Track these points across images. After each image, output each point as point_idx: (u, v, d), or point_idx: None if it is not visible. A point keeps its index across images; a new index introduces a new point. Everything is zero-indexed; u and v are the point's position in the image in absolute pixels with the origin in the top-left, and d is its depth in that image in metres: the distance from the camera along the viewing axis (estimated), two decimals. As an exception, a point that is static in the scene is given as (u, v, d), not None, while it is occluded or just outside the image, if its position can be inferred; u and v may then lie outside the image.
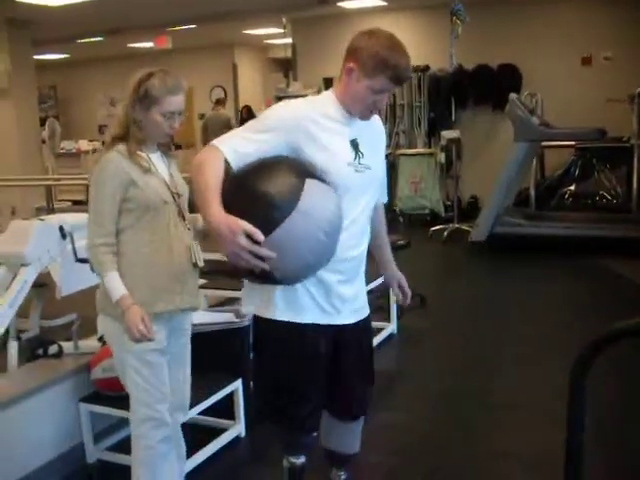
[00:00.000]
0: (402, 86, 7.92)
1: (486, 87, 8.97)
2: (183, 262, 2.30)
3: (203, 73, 12.52)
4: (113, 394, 2.85)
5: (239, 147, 1.93)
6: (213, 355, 3.12)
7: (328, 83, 8.73)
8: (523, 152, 6.90)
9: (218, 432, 3.15)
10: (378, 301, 4.83)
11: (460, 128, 8.76)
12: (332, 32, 9.34)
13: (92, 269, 2.31)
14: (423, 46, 8.73)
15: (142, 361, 2.26)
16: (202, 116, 11.66)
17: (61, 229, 3.52)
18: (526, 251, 6.89)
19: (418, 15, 9.45)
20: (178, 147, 2.91)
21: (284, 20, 9.51)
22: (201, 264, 2.36)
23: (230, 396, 3.18)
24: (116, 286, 2.19)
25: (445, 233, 7.76)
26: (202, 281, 3.25)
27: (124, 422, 2.93)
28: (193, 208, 2.21)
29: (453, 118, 9.26)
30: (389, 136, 9.02)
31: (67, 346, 3.24)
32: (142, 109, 2.22)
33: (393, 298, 4.66)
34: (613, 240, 6.62)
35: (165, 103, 2.22)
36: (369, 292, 4.33)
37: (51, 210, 7.65)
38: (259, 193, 1.82)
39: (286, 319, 2.06)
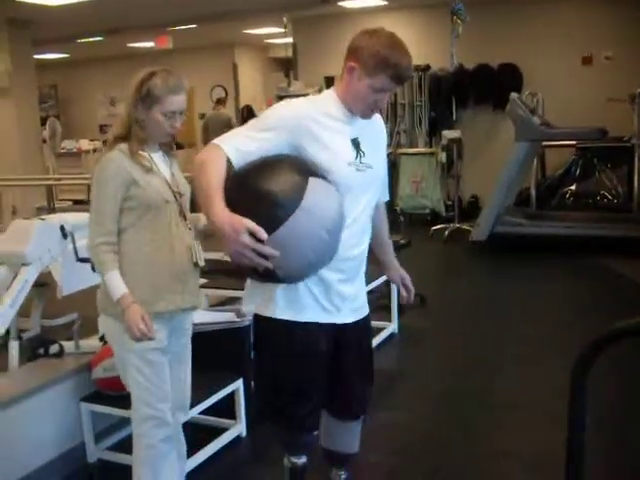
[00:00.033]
0: (403, 85, 7.91)
1: (487, 87, 8.97)
2: (184, 261, 2.31)
3: (204, 73, 12.52)
4: (114, 394, 2.85)
5: (241, 146, 1.94)
6: (214, 354, 3.13)
7: (329, 82, 8.73)
8: (524, 152, 6.90)
9: (219, 432, 3.15)
10: (379, 301, 4.84)
11: (461, 128, 8.76)
12: (333, 31, 9.34)
13: (93, 269, 2.31)
14: (424, 45, 8.72)
15: (143, 360, 2.27)
16: (203, 116, 11.65)
17: (62, 229, 3.52)
18: (527, 251, 6.89)
19: (419, 14, 9.44)
20: (180, 147, 2.91)
21: (285, 19, 9.50)
22: (202, 263, 2.36)
23: (231, 396, 3.18)
24: (117, 285, 2.19)
25: (446, 232, 7.76)
26: (203, 280, 3.25)
27: (125, 422, 2.93)
28: (195, 207, 2.21)
29: (454, 118, 9.26)
30: (390, 135, 9.02)
31: (68, 346, 3.24)
32: (144, 108, 2.22)
33: (394, 297, 4.67)
34: (614, 240, 6.62)
35: (167, 102, 2.22)
36: (370, 292, 4.35)
37: (52, 210, 7.65)
38: (262, 191, 1.82)
39: (287, 317, 2.06)
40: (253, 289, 2.13)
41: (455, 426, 3.36)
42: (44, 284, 3.90)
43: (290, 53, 10.22)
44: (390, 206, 3.37)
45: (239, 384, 3.19)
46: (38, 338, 3.95)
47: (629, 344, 1.77)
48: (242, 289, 2.26)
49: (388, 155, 2.62)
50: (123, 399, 2.55)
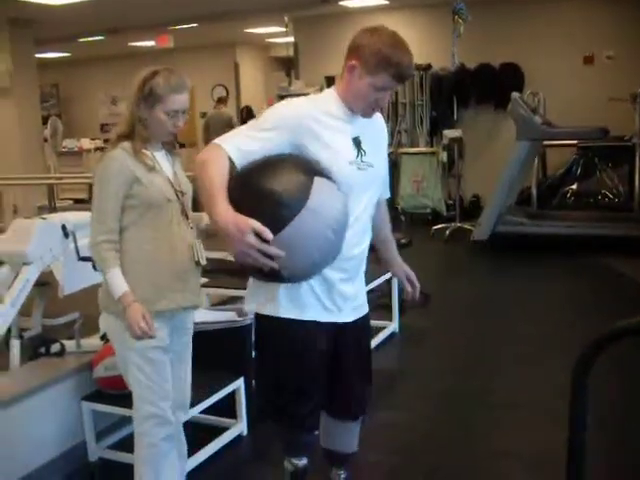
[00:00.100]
0: (404, 84, 7.92)
1: (488, 86, 8.97)
2: (185, 260, 2.31)
3: (205, 72, 12.52)
4: (115, 392, 2.85)
5: (243, 145, 1.93)
6: (215, 354, 3.13)
7: (330, 82, 8.72)
8: (525, 151, 6.90)
9: (220, 431, 3.15)
10: (380, 300, 4.84)
11: (462, 127, 8.76)
12: (334, 31, 9.34)
13: (94, 267, 2.32)
14: (425, 45, 8.72)
15: (144, 358, 2.27)
16: (204, 115, 11.66)
17: (63, 228, 3.52)
18: (528, 250, 6.89)
19: (420, 14, 9.44)
20: (181, 146, 2.90)
21: (286, 19, 9.51)
22: (204, 262, 2.36)
23: (232, 395, 3.19)
24: (118, 283, 2.19)
25: (447, 232, 7.76)
26: (204, 280, 3.25)
27: (126, 420, 2.94)
28: (197, 206, 2.21)
29: (455, 117, 9.25)
30: (391, 135, 9.01)
31: (69, 345, 3.25)
32: (147, 107, 2.23)
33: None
34: (615, 239, 6.62)
35: (169, 102, 2.22)
36: (370, 291, 4.36)
37: (53, 209, 7.64)
38: (267, 191, 1.82)
39: (289, 316, 2.06)
40: (255, 288, 2.13)
41: (455, 426, 3.36)
42: (45, 283, 3.90)
43: (291, 52, 10.22)
44: (391, 205, 3.37)
45: (240, 383, 3.19)
46: (39, 337, 3.95)
47: (630, 343, 1.77)
48: (243, 288, 2.26)
49: (389, 154, 2.63)
50: (124, 398, 2.55)
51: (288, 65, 10.39)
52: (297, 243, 1.80)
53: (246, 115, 11.11)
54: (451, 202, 8.58)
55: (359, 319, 2.21)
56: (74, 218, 3.62)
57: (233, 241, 1.77)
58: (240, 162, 1.92)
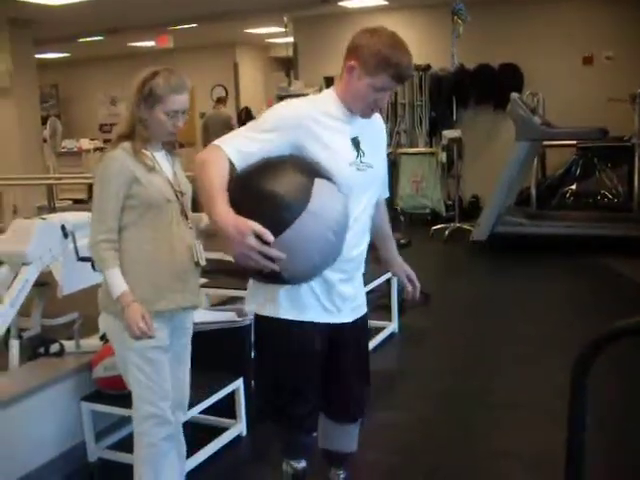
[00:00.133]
0: (403, 85, 7.92)
1: (487, 86, 8.97)
2: (185, 261, 2.31)
3: (204, 72, 12.52)
4: (115, 393, 2.85)
5: (242, 147, 1.92)
6: (214, 354, 3.13)
7: (329, 82, 8.72)
8: (524, 151, 6.90)
9: (219, 431, 3.15)
10: (379, 300, 4.84)
11: (461, 127, 8.76)
12: (333, 31, 9.34)
13: (94, 267, 2.32)
14: (424, 45, 8.72)
15: (144, 358, 2.27)
16: (203, 115, 11.67)
17: (63, 228, 3.52)
18: (527, 250, 6.89)
19: (419, 14, 9.44)
20: (182, 146, 2.91)
21: (285, 19, 9.51)
22: (203, 263, 2.36)
23: (231, 395, 3.19)
24: (117, 283, 2.20)
25: (446, 232, 7.76)
26: (203, 280, 3.25)
27: (125, 421, 2.94)
28: (197, 207, 2.21)
29: (454, 117, 9.25)
30: (390, 135, 9.02)
31: (69, 345, 3.25)
32: (147, 108, 2.23)
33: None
34: (614, 239, 6.63)
35: (169, 102, 2.22)
36: (370, 291, 4.36)
37: (52, 209, 7.64)
38: (268, 193, 1.81)
39: (289, 317, 2.06)
40: (255, 289, 2.13)
41: (455, 426, 3.37)
42: (45, 283, 3.90)
43: (291, 53, 10.22)
44: (390, 206, 3.37)
45: (239, 383, 3.19)
46: (39, 337, 3.95)
47: (629, 343, 1.77)
48: (243, 289, 2.26)
49: (388, 155, 2.62)
50: (124, 398, 2.55)
51: (287, 65, 10.39)
52: (298, 245, 1.79)
53: (245, 117, 11.10)
54: (450, 202, 8.58)
55: (358, 319, 2.21)
56: (73, 218, 3.63)
57: (234, 243, 1.76)
58: (240, 164, 1.91)
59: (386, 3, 9.21)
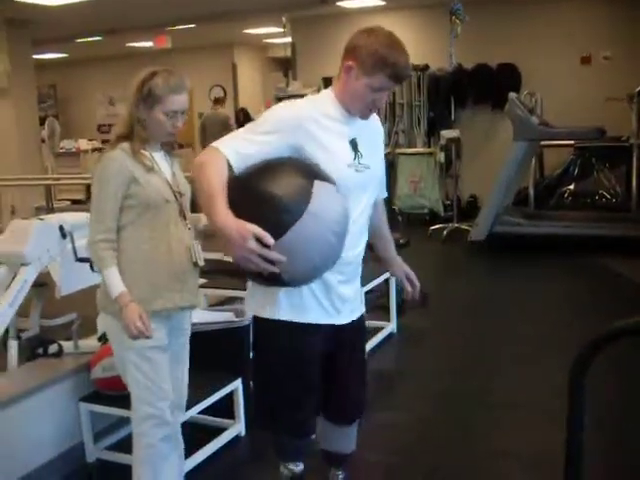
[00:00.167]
0: (401, 85, 7.92)
1: (485, 86, 8.97)
2: (183, 261, 2.31)
3: (202, 72, 12.52)
4: (113, 393, 2.85)
5: (241, 149, 1.91)
6: (213, 354, 3.13)
7: (327, 82, 8.70)
8: (522, 151, 6.91)
9: (218, 431, 3.15)
10: (378, 300, 4.84)
11: (459, 127, 8.77)
12: (331, 31, 9.34)
13: (92, 268, 2.31)
14: (422, 45, 8.73)
15: (142, 357, 2.27)
16: (202, 115, 11.67)
17: (61, 228, 3.52)
18: (525, 250, 6.89)
19: (417, 14, 9.45)
20: (180, 146, 2.91)
21: (284, 19, 9.50)
22: (201, 263, 2.36)
23: (230, 395, 3.18)
24: (115, 283, 2.20)
25: (444, 232, 7.76)
26: (202, 280, 3.25)
27: (124, 421, 2.94)
28: (195, 208, 2.21)
29: (452, 117, 9.26)
30: (388, 135, 9.02)
31: (67, 345, 3.24)
32: (145, 108, 2.23)
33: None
34: (612, 239, 6.63)
35: (168, 102, 2.22)
36: (369, 291, 4.35)
37: (50, 209, 7.65)
38: (267, 196, 1.80)
39: (289, 319, 2.05)
40: (255, 291, 2.12)
41: (454, 426, 3.37)
42: (43, 284, 3.90)
43: (289, 53, 10.22)
44: (388, 206, 3.37)
45: (238, 384, 3.19)
46: (37, 338, 3.95)
47: (627, 343, 1.77)
48: (241, 289, 2.26)
49: (386, 155, 2.62)
50: (122, 399, 2.55)
51: (286, 66, 10.38)
52: (298, 248, 1.78)
53: (243, 118, 11.08)
54: (448, 202, 8.58)
55: (355, 320, 2.21)
56: (72, 219, 3.63)
57: (234, 246, 1.75)
58: (238, 166, 1.90)
59: (384, 3, 9.21)
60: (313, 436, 2.29)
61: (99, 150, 11.30)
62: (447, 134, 8.12)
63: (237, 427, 3.23)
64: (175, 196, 2.31)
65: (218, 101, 10.70)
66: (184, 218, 2.34)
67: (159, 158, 2.33)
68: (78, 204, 9.39)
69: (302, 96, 2.18)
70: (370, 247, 2.28)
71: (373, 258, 2.36)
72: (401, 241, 6.03)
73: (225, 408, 3.19)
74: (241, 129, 2.04)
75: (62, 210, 5.98)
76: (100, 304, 2.32)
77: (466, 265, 6.92)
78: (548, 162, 8.61)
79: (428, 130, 9.34)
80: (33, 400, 2.87)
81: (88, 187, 2.26)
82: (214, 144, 1.95)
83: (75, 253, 3.45)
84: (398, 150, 8.78)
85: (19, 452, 2.79)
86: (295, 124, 1.95)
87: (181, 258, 2.30)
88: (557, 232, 6.95)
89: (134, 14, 9.24)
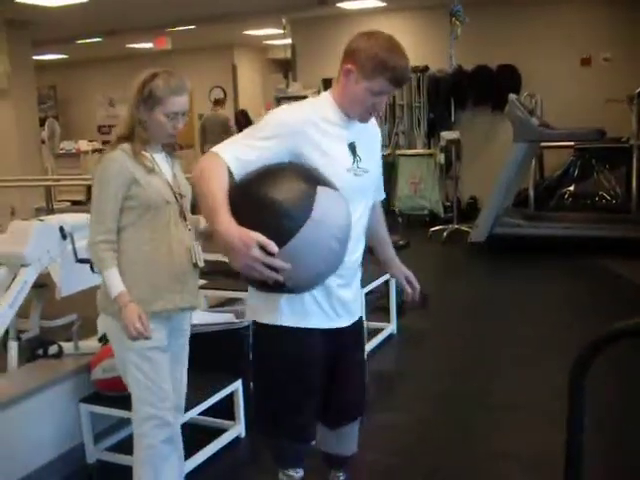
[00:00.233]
0: (401, 87, 7.92)
1: (485, 88, 8.98)
2: (183, 262, 2.31)
3: (202, 74, 12.52)
4: (113, 394, 2.85)
5: (241, 154, 1.89)
6: (213, 355, 3.13)
7: (327, 84, 8.73)
8: (522, 153, 6.91)
9: (218, 432, 3.15)
10: (378, 301, 4.84)
11: (459, 129, 8.77)
12: (331, 33, 9.35)
13: (92, 269, 2.32)
14: (422, 47, 8.74)
15: (143, 357, 2.27)
16: (202, 116, 11.68)
17: (61, 229, 3.52)
18: (525, 252, 6.89)
19: (417, 16, 9.45)
20: (180, 147, 2.91)
21: (284, 21, 9.51)
22: (201, 264, 2.37)
23: (230, 397, 3.18)
24: (115, 283, 2.20)
25: (444, 234, 7.76)
26: (202, 281, 3.25)
27: (124, 422, 2.94)
28: (196, 209, 2.21)
29: (452, 119, 9.26)
30: (388, 137, 9.03)
31: (67, 346, 3.24)
32: (146, 109, 2.23)
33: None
34: (612, 240, 6.63)
35: (169, 104, 2.23)
36: (369, 292, 4.35)
37: (50, 210, 7.66)
38: (270, 202, 1.77)
39: (291, 324, 2.04)
40: (256, 296, 2.09)
41: (454, 427, 3.37)
42: (43, 285, 3.90)
43: (289, 54, 10.23)
44: (388, 207, 3.36)
45: (238, 385, 3.19)
46: (37, 339, 3.95)
47: (628, 345, 1.77)
48: (241, 290, 2.26)
49: (386, 156, 2.62)
50: (122, 400, 2.55)
51: (286, 67, 10.40)
52: (302, 254, 1.76)
53: (242, 119, 11.08)
54: (448, 204, 8.59)
55: (353, 323, 2.21)
56: (72, 220, 3.63)
57: (237, 255, 1.72)
58: (238, 172, 1.87)
59: (384, 5, 9.22)
60: (313, 442, 2.28)
61: (99, 151, 11.32)
62: (447, 135, 8.12)
63: (237, 428, 3.23)
64: (176, 197, 2.32)
65: (218, 102, 10.70)
66: (184, 219, 2.34)
67: (160, 159, 2.33)
68: (78, 205, 9.40)
69: (302, 97, 2.17)
70: (369, 250, 2.28)
71: (373, 260, 2.35)
72: (401, 242, 6.02)
73: (225, 409, 3.19)
74: (241, 133, 2.02)
75: (62, 211, 5.99)
76: (100, 305, 2.32)
77: (466, 266, 6.92)
78: (548, 163, 8.62)
79: (428, 131, 9.34)
80: (33, 401, 2.87)
81: (88, 188, 2.27)
82: (214, 149, 1.92)
83: (75, 254, 3.45)
84: (398, 151, 8.79)
85: (19, 453, 2.79)
86: (295, 129, 1.93)
87: (181, 259, 2.30)
88: (557, 233, 6.95)
89: (134, 15, 9.24)
